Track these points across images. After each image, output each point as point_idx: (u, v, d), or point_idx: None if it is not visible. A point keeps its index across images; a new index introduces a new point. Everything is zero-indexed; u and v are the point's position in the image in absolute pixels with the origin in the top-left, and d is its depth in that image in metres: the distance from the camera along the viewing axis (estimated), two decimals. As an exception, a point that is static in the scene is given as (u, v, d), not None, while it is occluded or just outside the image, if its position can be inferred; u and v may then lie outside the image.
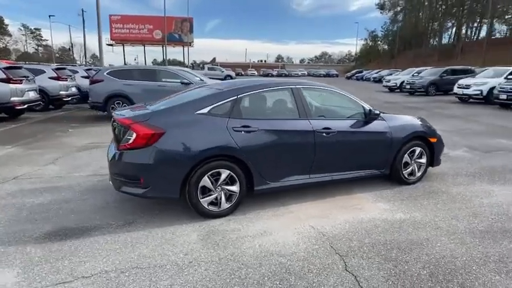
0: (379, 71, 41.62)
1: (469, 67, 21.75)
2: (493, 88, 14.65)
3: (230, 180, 3.49)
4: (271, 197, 3.96)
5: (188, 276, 2.52)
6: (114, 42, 58.99)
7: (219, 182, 3.45)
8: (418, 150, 4.53)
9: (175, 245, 2.99)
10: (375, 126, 4.22)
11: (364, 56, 75.25)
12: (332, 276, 2.52)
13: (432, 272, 2.57)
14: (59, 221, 3.46)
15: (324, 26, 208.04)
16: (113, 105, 10.03)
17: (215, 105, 3.54)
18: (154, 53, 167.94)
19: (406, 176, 4.52)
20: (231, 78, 34.68)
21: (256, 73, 67.42)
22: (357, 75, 48.32)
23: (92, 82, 10.27)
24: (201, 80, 11.18)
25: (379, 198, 4.11)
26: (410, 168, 4.54)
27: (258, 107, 3.92)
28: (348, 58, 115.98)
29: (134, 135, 3.25)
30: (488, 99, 14.96)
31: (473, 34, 44.21)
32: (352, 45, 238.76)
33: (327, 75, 63.58)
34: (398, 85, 23.55)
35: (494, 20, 40.35)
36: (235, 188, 3.52)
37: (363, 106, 4.27)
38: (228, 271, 2.59)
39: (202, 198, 3.40)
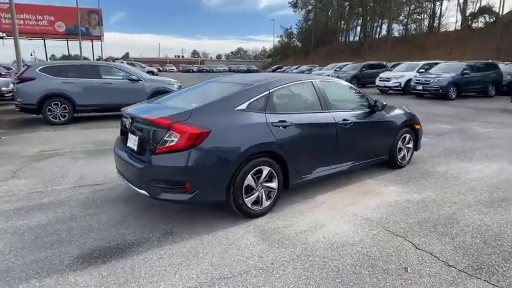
0: (299, 67, 44.02)
1: (383, 62, 24.44)
2: (409, 80, 16.77)
3: (269, 177, 3.42)
4: (292, 192, 3.96)
5: (282, 277, 2.42)
6: (5, 34, 50.89)
7: (261, 180, 3.35)
8: (408, 136, 5.01)
9: (240, 248, 2.83)
10: (379, 116, 4.54)
11: (281, 52, 78.59)
12: (411, 255, 2.68)
13: (484, 240, 2.92)
14: (83, 242, 2.97)
15: (235, 22, 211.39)
16: (50, 107, 8.77)
17: (252, 100, 3.42)
18: (60, 48, 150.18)
19: (400, 160, 4.97)
20: (154, 74, 32.97)
21: (175, 69, 65.33)
22: (277, 70, 50.25)
23: (21, 80, 8.80)
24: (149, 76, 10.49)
25: (387, 182, 4.44)
26: (403, 153, 5.00)
27: (288, 101, 3.88)
28: (263, 54, 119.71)
29: (178, 136, 2.95)
30: (405, 90, 17.03)
31: (375, 33, 49.83)
32: (265, 42, 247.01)
33: (248, 71, 64.89)
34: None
35: (392, 21, 46.04)
36: (274, 185, 3.46)
37: (367, 98, 4.55)
38: (316, 266, 2.56)
39: (246, 198, 3.27)
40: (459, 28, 33.22)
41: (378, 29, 47.89)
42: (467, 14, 35.04)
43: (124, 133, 3.70)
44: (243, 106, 3.35)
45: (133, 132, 3.38)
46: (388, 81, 17.78)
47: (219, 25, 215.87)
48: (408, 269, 2.49)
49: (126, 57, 78.39)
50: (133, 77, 9.68)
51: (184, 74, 53.79)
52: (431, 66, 17.36)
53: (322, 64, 40.57)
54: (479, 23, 31.91)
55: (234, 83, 3.87)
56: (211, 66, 66.69)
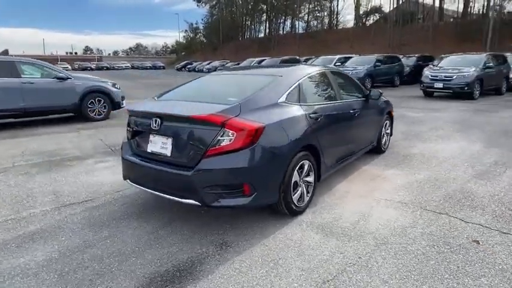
0: (210, 62, 43.69)
1: (297, 57, 25.85)
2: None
3: (308, 172, 3.32)
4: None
5: (381, 269, 2.38)
6: None
7: (303, 175, 3.23)
8: (387, 122, 5.41)
9: (315, 248, 2.68)
10: (373, 104, 4.78)
11: (187, 47, 76.66)
12: (468, 229, 2.90)
13: (507, 206, 3.33)
14: (129, 270, 2.45)
15: (128, 16, 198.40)
16: (-49, 114, 6.97)
17: (288, 92, 3.25)
18: None
19: (383, 146, 5.34)
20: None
21: (69, 67, 58.57)
22: (188, 66, 49.02)
23: None
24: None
25: (382, 167, 4.72)
26: (385, 138, 5.38)
27: (312, 92, 3.78)
28: (164, 50, 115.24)
29: (234, 134, 2.62)
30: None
31: (279, 29, 52.34)
32: (164, 37, 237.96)
33: (154, 67, 61.74)
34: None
35: (294, 18, 49.13)
36: (311, 179, 3.38)
37: (362, 87, 4.74)
38: (400, 253, 2.58)
39: (294, 195, 3.12)
40: (358, 25, 37.27)
41: (282, 25, 50.66)
42: (361, 13, 39.69)
43: (137, 136, 3.15)
44: (283, 98, 3.17)
45: (162, 134, 2.89)
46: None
47: (109, 19, 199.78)
48: (479, 241, 2.69)
49: (5, 54, 66.90)
50: (61, 75, 8.30)
51: (84, 72, 48.34)
52: (346, 59, 19.03)
53: (233, 59, 40.96)
54: (371, 20, 36.41)
55: (256, 74, 3.65)
56: (111, 64, 61.42)
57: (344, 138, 3.97)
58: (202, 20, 75.72)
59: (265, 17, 52.79)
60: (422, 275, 2.32)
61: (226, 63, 38.24)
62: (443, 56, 18.90)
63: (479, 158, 5.00)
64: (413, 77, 18.11)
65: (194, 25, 73.91)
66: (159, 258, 2.59)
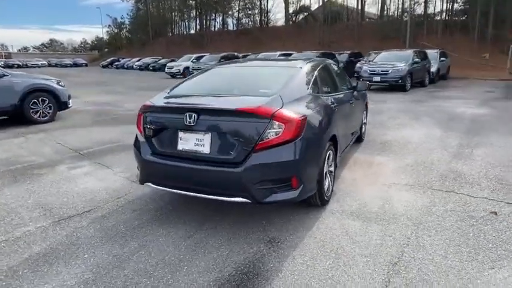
0: (140, 59, 41.37)
1: (235, 53, 25.84)
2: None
3: (332, 161, 3.37)
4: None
5: (437, 246, 2.53)
6: None
7: (329, 164, 3.27)
8: (365, 112, 5.73)
9: (362, 234, 2.74)
10: (358, 95, 5.01)
11: (111, 43, 71.37)
12: (479, 203, 3.22)
13: (498, 179, 3.77)
14: (189, 280, 2.25)
15: (37, 9, 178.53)
16: None
17: (311, 83, 3.25)
18: None
19: (363, 134, 5.65)
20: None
21: (-33, 65, 50.64)
22: (115, 63, 45.83)
23: None
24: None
25: (369, 154, 4.99)
26: (364, 128, 5.70)
27: (324, 84, 3.78)
28: (84, 46, 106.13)
29: (283, 126, 2.54)
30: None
31: (210, 25, 51.60)
32: (83, 33, 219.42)
33: (75, 65, 56.43)
34: (182, 71, 24.74)
35: (225, 15, 48.97)
36: (332, 168, 3.44)
37: (348, 79, 4.94)
38: (440, 230, 2.76)
39: (325, 185, 3.14)
40: (288, 23, 38.57)
41: (214, 22, 50.04)
42: (291, 12, 41.23)
43: (160, 134, 2.86)
44: (310, 89, 3.16)
45: (198, 130, 2.67)
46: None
47: (15, 11, 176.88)
48: (496, 212, 3.02)
49: None
50: (-5, 72, 7.12)
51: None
52: (286, 56, 19.62)
53: (165, 55, 39.31)
54: (301, 19, 37.98)
55: (272, 66, 3.60)
56: (24, 61, 54.51)
57: (347, 127, 4.11)
58: (128, 14, 71.16)
59: (195, 13, 51.59)
60: (471, 246, 2.52)
61: (159, 60, 36.58)
62: (371, 52, 20.66)
63: (446, 141, 5.58)
64: (347, 72, 19.46)
65: (119, 20, 69.13)
66: (214, 264, 2.41)
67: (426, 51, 16.72)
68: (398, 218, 2.99)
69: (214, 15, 48.65)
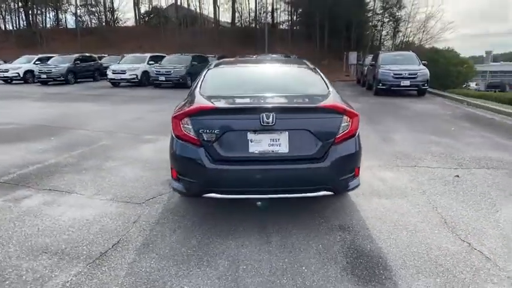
0: None
1: (93, 55, 22.99)
2: (145, 72, 17.57)
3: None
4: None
5: (456, 212, 3.27)
6: None
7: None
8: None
9: (405, 214, 3.26)
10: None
11: None
12: (443, 170, 4.23)
13: (448, 151, 4.95)
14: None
15: None
16: None
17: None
18: None
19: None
20: None
21: None
22: None
23: None
24: None
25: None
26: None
27: None
28: None
29: (350, 120, 2.77)
30: (141, 81, 17.63)
31: (45, 22, 43.45)
32: None
33: None
34: (22, 75, 20.37)
35: (60, 11, 42.29)
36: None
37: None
38: (454, 193, 3.55)
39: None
40: (140, 24, 36.26)
41: (45, 17, 42.32)
42: (143, 12, 38.97)
43: (223, 139, 2.63)
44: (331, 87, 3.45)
45: (274, 130, 2.60)
46: (124, 73, 17.58)
47: None
48: (459, 175, 4.05)
49: None
50: None
51: None
52: (158, 58, 18.92)
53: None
54: (154, 20, 36.47)
55: (286, 66, 3.72)
56: None
57: None
58: None
59: (17, 5, 42.50)
60: (461, 195, 3.38)
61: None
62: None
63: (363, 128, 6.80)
64: None
65: None
66: (323, 247, 2.46)
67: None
68: (406, 192, 3.64)
69: (44, 9, 41.41)
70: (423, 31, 28.65)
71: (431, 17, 28.32)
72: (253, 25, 34.57)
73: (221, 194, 2.68)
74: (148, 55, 19.11)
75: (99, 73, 21.52)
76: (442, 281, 2.18)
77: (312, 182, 2.70)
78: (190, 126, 2.69)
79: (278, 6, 34.46)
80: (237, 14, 35.53)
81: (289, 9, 34.36)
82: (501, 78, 35.52)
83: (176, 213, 3.17)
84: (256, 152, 2.64)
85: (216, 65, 3.76)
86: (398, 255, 2.48)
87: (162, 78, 16.55)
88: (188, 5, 37.03)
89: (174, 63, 17.30)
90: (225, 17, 42.64)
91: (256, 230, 2.85)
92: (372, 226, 2.90)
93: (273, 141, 2.64)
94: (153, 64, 18.15)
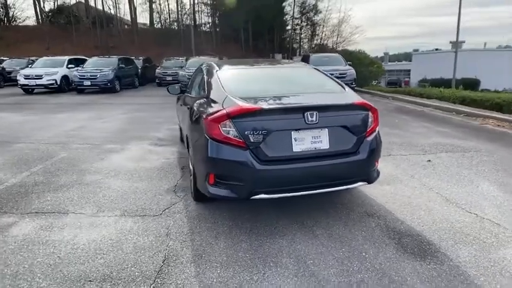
0: None
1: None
2: (64, 76, 15.87)
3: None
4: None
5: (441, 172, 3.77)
6: None
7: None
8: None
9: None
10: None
11: None
12: (412, 156, 4.80)
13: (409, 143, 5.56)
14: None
15: None
16: None
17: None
18: None
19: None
20: None
21: None
22: None
23: None
24: None
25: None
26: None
27: None
28: None
29: (373, 116, 3.02)
30: (61, 87, 15.87)
31: None
32: None
33: None
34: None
35: None
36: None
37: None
38: (425, 172, 4.06)
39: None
40: (44, 23, 31.96)
41: None
42: (48, 10, 34.34)
43: (267, 139, 2.64)
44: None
45: (317, 127, 2.71)
46: (40, 78, 15.58)
47: None
48: (430, 160, 4.65)
49: None
50: None
51: None
52: (78, 61, 17.25)
53: None
54: (61, 19, 32.59)
55: (293, 67, 3.87)
56: None
57: None
58: None
59: None
60: (437, 174, 3.94)
61: None
62: (166, 59, 21.36)
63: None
64: (144, 78, 19.53)
65: None
66: (366, 232, 2.65)
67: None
68: (398, 178, 4.07)
69: None
70: (337, 35, 31.39)
71: (343, 21, 31.24)
72: (175, 26, 33.60)
73: (268, 194, 2.69)
74: (66, 58, 17.22)
75: (3, 78, 18.80)
76: (479, 247, 2.56)
77: (351, 174, 2.89)
78: (234, 129, 2.64)
79: (198, 8, 34.11)
80: (156, 15, 34.09)
81: (209, 11, 34.34)
82: (397, 76, 41.36)
83: (205, 221, 3.05)
84: (300, 150, 2.71)
85: (223, 67, 3.69)
86: (430, 231, 2.81)
87: (88, 82, 15.29)
88: (102, 4, 34.33)
89: (100, 66, 16.06)
90: (143, 17, 40.55)
91: (296, 226, 2.92)
92: (393, 210, 3.21)
93: (314, 138, 2.75)
94: (73, 68, 16.50)
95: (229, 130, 2.66)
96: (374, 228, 2.88)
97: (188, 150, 4.25)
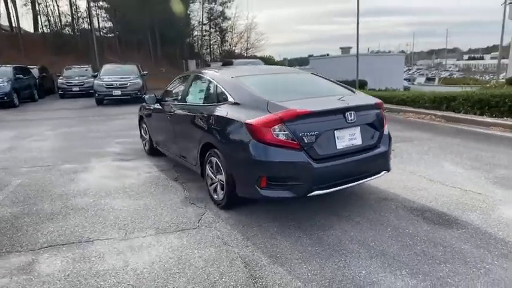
0: None
1: None
2: None
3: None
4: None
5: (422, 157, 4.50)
6: None
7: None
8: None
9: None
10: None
11: None
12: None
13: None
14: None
15: None
16: None
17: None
18: None
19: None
20: None
21: None
22: None
23: None
24: None
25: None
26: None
27: None
28: None
29: (383, 113, 3.49)
30: None
31: None
32: None
33: None
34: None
35: None
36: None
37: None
38: (402, 159, 4.77)
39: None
40: None
41: None
42: None
43: (316, 140, 2.86)
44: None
45: (353, 126, 3.05)
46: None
47: None
48: (393, 149, 5.43)
49: None
50: None
51: None
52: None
53: None
54: None
55: (291, 73, 4.09)
56: None
57: None
58: None
59: None
60: (423, 162, 4.73)
61: None
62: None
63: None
64: (43, 88, 17.38)
65: None
66: (384, 220, 3.10)
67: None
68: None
69: None
70: (245, 41, 32.62)
71: (250, 28, 32.63)
72: (69, 31, 30.16)
73: (322, 190, 2.91)
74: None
75: None
76: (481, 211, 3.22)
77: (377, 165, 3.31)
78: (287, 132, 2.78)
79: (96, 11, 31.26)
80: (43, 18, 30.06)
81: (105, 14, 31.82)
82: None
83: (248, 226, 3.09)
84: (342, 147, 3.01)
85: (233, 74, 3.74)
86: (439, 205, 3.40)
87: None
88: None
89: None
90: (26, 21, 34.93)
91: (335, 218, 3.19)
92: (399, 193, 3.73)
93: (351, 135, 3.08)
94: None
95: (282, 133, 2.79)
96: (396, 209, 3.35)
97: (184, 160, 4.17)
